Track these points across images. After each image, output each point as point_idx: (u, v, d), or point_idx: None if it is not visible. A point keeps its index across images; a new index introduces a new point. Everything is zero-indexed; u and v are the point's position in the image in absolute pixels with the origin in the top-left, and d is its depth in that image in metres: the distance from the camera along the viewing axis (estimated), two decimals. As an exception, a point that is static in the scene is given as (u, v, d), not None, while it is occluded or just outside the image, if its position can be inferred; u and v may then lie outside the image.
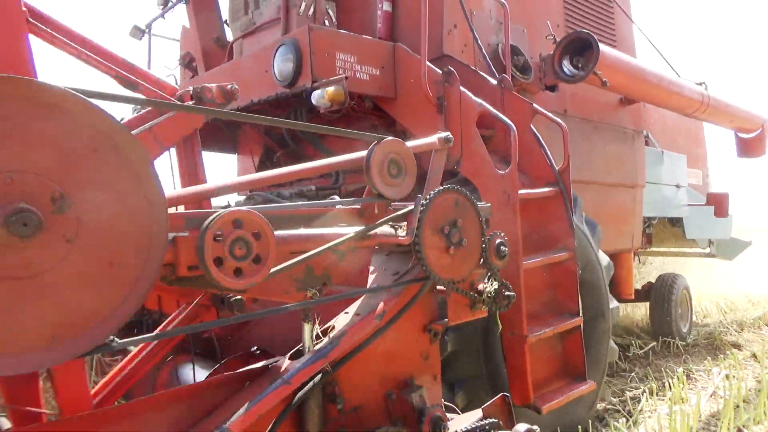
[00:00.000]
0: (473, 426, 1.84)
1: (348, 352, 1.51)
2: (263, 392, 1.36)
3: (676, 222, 6.10)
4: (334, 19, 3.21)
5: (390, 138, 1.54)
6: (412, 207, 1.60)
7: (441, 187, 1.63)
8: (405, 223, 1.70)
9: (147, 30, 4.47)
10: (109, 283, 1.08)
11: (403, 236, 1.54)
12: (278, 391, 1.38)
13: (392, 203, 1.63)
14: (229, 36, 4.31)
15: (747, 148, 6.51)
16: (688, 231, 6.10)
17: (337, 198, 1.81)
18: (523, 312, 2.63)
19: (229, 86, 2.00)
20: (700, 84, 5.21)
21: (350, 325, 1.54)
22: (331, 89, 2.61)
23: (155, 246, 1.14)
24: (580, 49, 3.79)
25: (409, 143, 1.67)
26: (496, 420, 1.92)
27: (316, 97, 2.69)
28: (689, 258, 7.21)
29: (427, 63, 2.88)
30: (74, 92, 1.05)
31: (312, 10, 3.08)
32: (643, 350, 5.51)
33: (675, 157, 5.90)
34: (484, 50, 3.40)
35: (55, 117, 1.03)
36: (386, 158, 1.52)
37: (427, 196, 1.60)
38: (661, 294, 6.00)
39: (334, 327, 1.58)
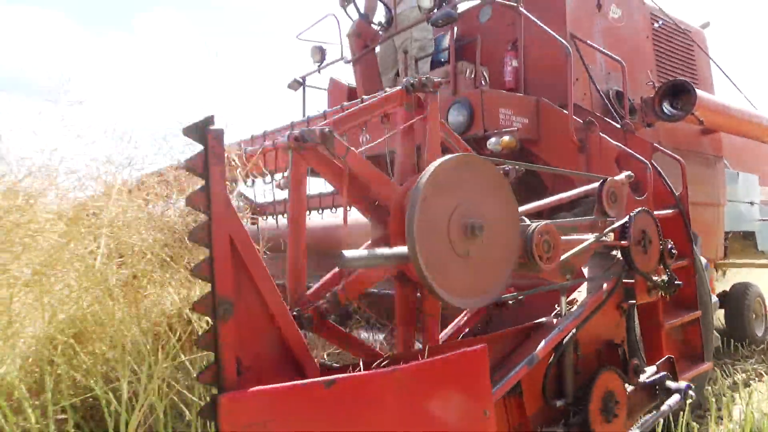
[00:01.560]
0: (657, 374, 2.64)
1: (589, 314, 2.35)
2: (550, 335, 2.21)
3: (748, 236, 6.74)
4: (487, 79, 4.12)
5: (610, 177, 2.40)
6: (623, 221, 2.44)
7: (639, 209, 2.48)
8: (611, 233, 2.55)
9: (303, 82, 5.49)
10: (500, 263, 1.96)
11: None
12: (557, 336, 2.23)
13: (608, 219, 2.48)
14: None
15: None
16: (760, 243, 6.72)
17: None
18: (660, 305, 3.41)
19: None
20: (776, 113, 5.92)
21: (588, 298, 2.39)
22: (506, 138, 3.49)
23: (514, 243, 2.01)
24: (675, 92, 4.61)
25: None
26: (667, 373, 2.73)
27: (492, 143, 3.57)
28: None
29: (574, 117, 3.74)
30: (480, 157, 1.95)
31: (474, 74, 4.01)
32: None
33: (749, 177, 6.57)
34: (604, 97, 4.26)
35: (474, 170, 1.93)
36: (609, 190, 2.38)
37: (632, 214, 2.45)
38: (735, 301, 6.61)
39: (576, 300, 2.42)
